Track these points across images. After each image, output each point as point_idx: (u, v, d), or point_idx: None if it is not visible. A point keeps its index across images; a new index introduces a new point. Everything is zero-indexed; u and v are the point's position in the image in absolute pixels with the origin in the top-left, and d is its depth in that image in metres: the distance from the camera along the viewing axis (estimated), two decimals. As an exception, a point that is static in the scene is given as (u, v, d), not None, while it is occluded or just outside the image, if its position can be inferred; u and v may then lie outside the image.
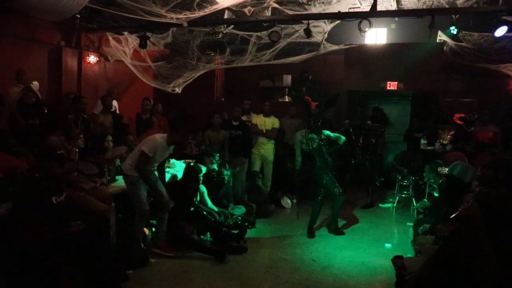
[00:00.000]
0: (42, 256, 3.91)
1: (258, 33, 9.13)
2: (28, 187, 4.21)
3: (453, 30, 7.87)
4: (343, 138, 6.67)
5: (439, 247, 2.63)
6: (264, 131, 8.26)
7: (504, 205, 2.44)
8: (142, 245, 5.35)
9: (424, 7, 8.10)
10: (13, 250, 3.88)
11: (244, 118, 8.45)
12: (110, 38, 9.59)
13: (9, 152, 5.30)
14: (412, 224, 6.07)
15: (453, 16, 7.67)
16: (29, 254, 3.88)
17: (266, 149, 8.31)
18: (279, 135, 8.72)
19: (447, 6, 7.74)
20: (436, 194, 5.66)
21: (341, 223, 6.98)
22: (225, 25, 8.85)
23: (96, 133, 7.23)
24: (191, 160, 7.05)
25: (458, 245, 2.37)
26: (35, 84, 7.71)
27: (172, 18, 7.74)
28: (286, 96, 11.59)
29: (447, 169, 5.22)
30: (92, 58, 9.66)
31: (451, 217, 2.48)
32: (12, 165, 4.82)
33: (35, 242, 3.92)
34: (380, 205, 8.50)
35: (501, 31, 7.48)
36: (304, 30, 8.23)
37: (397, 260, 3.90)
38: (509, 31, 7.50)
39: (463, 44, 9.34)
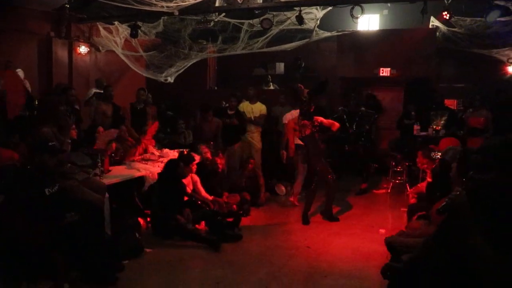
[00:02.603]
0: (36, 248, 3.89)
1: (250, 21, 9.07)
2: (20, 179, 4.18)
3: (446, 15, 7.84)
4: (336, 125, 6.67)
5: (433, 234, 2.62)
6: (252, 118, 8.20)
7: (490, 190, 2.41)
8: (137, 235, 5.35)
9: (416, -8, 8.05)
10: (6, 242, 3.86)
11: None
12: (100, 28, 9.49)
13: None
14: (406, 209, 6.09)
15: (446, 1, 7.63)
16: (24, 246, 3.86)
17: (254, 136, 8.26)
18: (272, 123, 8.69)
19: (439, -9, 7.71)
20: (429, 179, 5.68)
21: (335, 209, 7.01)
22: (217, 13, 8.77)
23: (96, 122, 7.18)
24: (183, 150, 7.04)
25: (449, 234, 2.35)
26: (20, 72, 7.63)
27: (162, 7, 7.68)
28: (271, 84, 11.59)
29: (440, 154, 5.25)
30: (82, 49, 9.56)
31: (438, 208, 2.45)
32: (3, 157, 4.78)
33: (29, 234, 3.90)
34: (374, 191, 8.53)
35: (493, 16, 7.46)
36: (296, 17, 8.18)
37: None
38: (501, 15, 7.49)
39: (455, 29, 9.32)
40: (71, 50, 9.38)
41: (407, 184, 7.97)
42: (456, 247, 2.28)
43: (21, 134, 5.93)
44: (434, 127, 8.48)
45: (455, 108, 9.75)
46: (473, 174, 2.59)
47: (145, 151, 7.22)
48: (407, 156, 8.05)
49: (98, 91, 8.66)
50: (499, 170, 2.52)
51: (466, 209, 2.23)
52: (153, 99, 8.75)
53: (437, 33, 10.00)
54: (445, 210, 2.33)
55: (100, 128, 6.77)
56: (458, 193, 2.30)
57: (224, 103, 8.86)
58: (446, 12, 7.74)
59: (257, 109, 8.25)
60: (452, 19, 8.34)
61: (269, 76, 11.75)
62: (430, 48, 10.13)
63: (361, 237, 5.91)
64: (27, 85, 7.65)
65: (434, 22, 9.67)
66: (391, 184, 8.27)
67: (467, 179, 2.53)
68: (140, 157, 6.85)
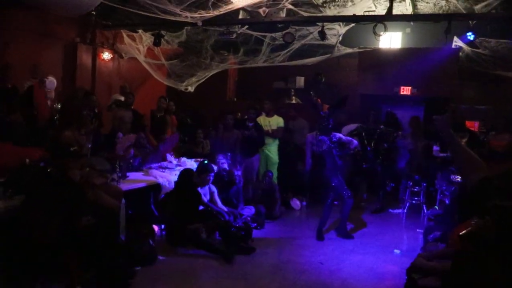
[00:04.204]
0: (52, 248, 3.92)
1: (272, 34, 9.13)
2: (40, 181, 4.23)
3: (470, 36, 7.79)
4: (355, 142, 6.63)
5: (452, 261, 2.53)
6: (270, 131, 8.21)
7: None
8: (151, 242, 5.36)
9: (441, 12, 8.03)
10: (24, 241, 3.90)
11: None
12: (124, 35, 9.64)
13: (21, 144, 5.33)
14: (422, 230, 6.01)
15: (470, 22, 7.59)
16: (40, 246, 3.90)
17: (271, 149, 8.26)
18: (288, 135, 8.68)
19: (464, 12, 7.66)
20: (447, 202, 5.60)
21: (350, 227, 6.95)
22: (240, 25, 8.85)
23: (115, 128, 7.25)
24: (201, 159, 7.07)
25: (466, 266, 2.25)
26: (51, 80, 7.73)
27: (187, 17, 7.78)
28: (293, 98, 11.59)
29: (460, 177, 5.17)
30: (106, 55, 9.72)
31: (460, 234, 2.35)
32: (23, 156, 4.83)
33: (46, 235, 3.94)
34: (390, 210, 8.44)
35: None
36: (319, 32, 8.22)
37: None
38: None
39: (479, 50, 9.23)
40: (95, 56, 9.54)
41: (424, 205, 7.86)
42: (474, 278, 2.18)
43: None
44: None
45: (476, 130, 9.61)
46: (498, 201, 2.46)
47: (163, 159, 7.27)
48: (425, 177, 7.96)
49: (118, 98, 8.78)
50: None
51: (492, 238, 2.13)
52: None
53: (460, 54, 9.92)
54: (469, 237, 2.23)
55: (119, 134, 6.83)
56: (485, 219, 2.19)
57: (239, 114, 8.89)
58: (470, 33, 7.70)
59: (274, 122, 8.27)
60: (477, 40, 8.27)
61: (293, 90, 11.73)
62: (452, 68, 10.03)
63: (376, 256, 5.83)
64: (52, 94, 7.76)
65: (457, 42, 9.60)
66: (407, 204, 8.15)
67: (492, 207, 2.38)
68: (157, 164, 6.89)
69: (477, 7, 7.50)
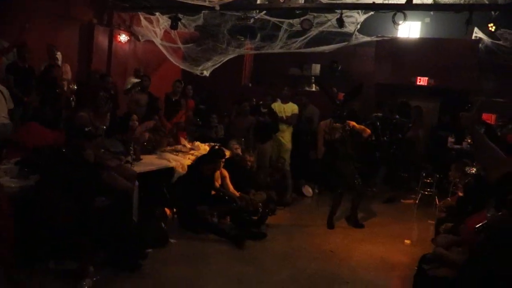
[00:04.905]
0: (65, 228, 3.98)
1: (290, 20, 9.05)
2: (55, 161, 4.28)
3: (492, 27, 7.64)
4: (367, 131, 6.59)
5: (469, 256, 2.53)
6: (284, 117, 8.17)
7: None
8: (163, 225, 5.41)
9: (462, 2, 7.86)
10: (38, 221, 3.96)
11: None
12: (141, 17, 9.64)
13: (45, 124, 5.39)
14: (433, 222, 5.99)
15: (492, 12, 7.43)
16: (53, 226, 3.96)
17: (285, 136, 8.23)
18: (309, 123, 8.65)
19: (487, 2, 7.49)
20: (460, 194, 5.56)
21: (361, 216, 6.93)
22: (257, 11, 8.78)
23: (130, 110, 7.29)
24: (215, 144, 7.08)
25: (486, 258, 2.25)
26: (59, 55, 7.79)
27: (204, 1, 7.76)
28: (313, 85, 11.49)
29: (475, 169, 5.13)
30: (123, 37, 9.74)
31: (477, 226, 2.35)
32: (46, 137, 4.88)
33: (60, 215, 3.99)
34: (402, 200, 8.40)
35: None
36: (337, 19, 8.12)
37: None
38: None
39: (500, 42, 9.05)
40: (111, 38, 9.56)
41: (436, 197, 7.81)
42: (492, 270, 2.19)
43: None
44: (469, 140, 8.25)
45: (492, 123, 9.48)
46: None
47: (176, 142, 7.29)
48: (438, 168, 7.89)
49: (137, 80, 8.81)
50: None
51: (508, 232, 2.13)
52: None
53: (480, 45, 9.74)
54: (485, 230, 2.23)
55: (134, 116, 6.86)
56: (501, 212, 2.19)
57: (254, 100, 8.88)
58: (492, 24, 7.55)
59: (289, 109, 8.23)
60: (498, 31, 8.10)
61: (313, 77, 11.64)
62: (471, 60, 9.86)
63: (386, 246, 5.83)
64: (68, 69, 7.83)
65: (477, 33, 9.42)
66: (419, 195, 8.11)
67: (509, 201, 2.39)
68: (171, 148, 6.91)
69: (501, -3, 7.35)
